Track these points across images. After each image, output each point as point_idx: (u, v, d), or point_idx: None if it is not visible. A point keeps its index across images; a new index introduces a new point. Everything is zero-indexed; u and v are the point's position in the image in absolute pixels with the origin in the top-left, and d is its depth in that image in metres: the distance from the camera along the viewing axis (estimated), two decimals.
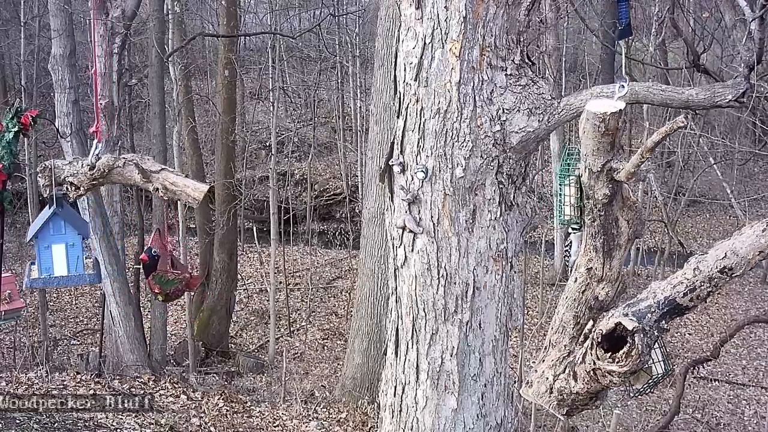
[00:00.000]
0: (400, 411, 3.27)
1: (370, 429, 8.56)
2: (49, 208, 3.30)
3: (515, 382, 9.37)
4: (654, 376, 2.91)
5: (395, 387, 3.28)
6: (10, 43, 22.21)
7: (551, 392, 2.60)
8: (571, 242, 3.01)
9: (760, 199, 19.52)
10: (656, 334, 2.27)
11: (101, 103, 8.98)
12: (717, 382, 13.29)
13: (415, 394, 3.19)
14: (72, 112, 9.15)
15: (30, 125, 3.38)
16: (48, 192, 3.24)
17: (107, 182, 3.30)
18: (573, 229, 2.75)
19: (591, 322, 2.63)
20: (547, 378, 2.60)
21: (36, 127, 3.48)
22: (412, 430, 3.23)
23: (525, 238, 3.22)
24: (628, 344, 2.17)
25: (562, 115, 2.93)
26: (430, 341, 3.12)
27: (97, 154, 3.26)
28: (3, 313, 3.70)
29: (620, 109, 2.32)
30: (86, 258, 3.51)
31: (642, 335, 2.16)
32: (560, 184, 2.61)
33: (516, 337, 11.57)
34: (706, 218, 21.59)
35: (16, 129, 3.31)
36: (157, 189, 3.19)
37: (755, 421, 12.13)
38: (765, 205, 20.94)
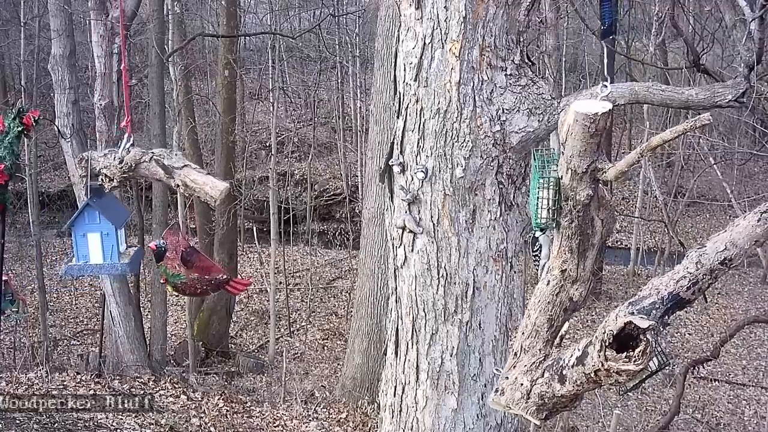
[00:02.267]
0: (400, 411, 3.27)
1: (370, 429, 8.56)
2: (85, 198, 3.39)
3: None
4: (650, 371, 2.91)
5: (395, 387, 3.28)
6: (10, 43, 22.22)
7: (528, 398, 2.58)
8: (540, 246, 3.00)
9: (760, 199, 19.48)
10: (661, 329, 2.30)
11: (101, 104, 9.01)
12: (717, 382, 13.28)
13: (415, 394, 3.19)
14: (72, 112, 9.16)
15: (32, 126, 3.39)
16: (84, 183, 3.32)
17: (136, 176, 3.34)
18: (542, 231, 2.73)
19: (566, 324, 2.64)
20: (522, 384, 2.58)
21: (36, 128, 3.49)
22: (412, 430, 3.23)
23: (525, 238, 3.22)
24: (643, 342, 2.18)
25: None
26: (430, 341, 3.12)
27: (128, 148, 3.30)
28: (21, 302, 3.74)
29: (609, 109, 2.33)
30: (130, 247, 3.58)
31: (653, 332, 2.18)
32: (536, 187, 2.60)
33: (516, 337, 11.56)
34: (706, 218, 21.58)
35: (18, 129, 3.32)
36: (178, 185, 3.21)
37: (755, 421, 12.13)
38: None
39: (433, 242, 3.03)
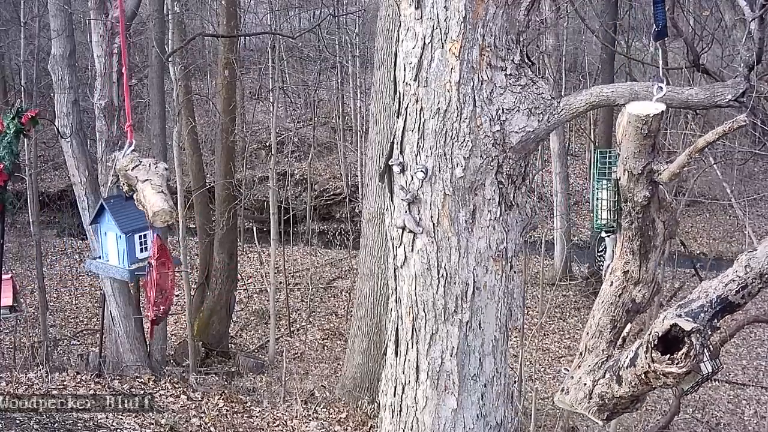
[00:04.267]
0: (400, 411, 3.27)
1: (370, 429, 8.56)
2: (103, 198, 3.43)
3: (515, 382, 9.37)
4: (702, 375, 2.90)
5: (395, 387, 3.27)
6: (10, 43, 22.21)
7: (590, 398, 2.57)
8: (605, 247, 2.99)
9: (760, 199, 19.50)
10: (709, 333, 2.27)
11: (101, 104, 9.00)
12: (717, 382, 13.28)
13: (415, 394, 3.19)
14: (72, 112, 9.15)
15: (30, 125, 3.39)
16: (111, 183, 3.38)
17: (132, 182, 3.32)
18: (607, 232, 2.74)
19: (629, 326, 2.63)
20: (585, 384, 2.58)
21: (36, 127, 3.49)
22: (412, 430, 3.23)
23: (525, 238, 3.21)
24: (687, 345, 2.16)
25: (562, 115, 2.93)
26: (430, 341, 3.12)
27: (126, 154, 3.30)
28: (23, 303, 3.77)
29: (662, 111, 2.32)
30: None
31: (698, 335, 2.15)
32: (596, 188, 2.60)
33: (516, 337, 11.58)
34: (706, 218, 21.58)
35: (17, 129, 3.32)
36: (137, 199, 3.20)
37: (755, 421, 12.14)
38: (765, 205, 20.93)
39: (433, 242, 3.03)
